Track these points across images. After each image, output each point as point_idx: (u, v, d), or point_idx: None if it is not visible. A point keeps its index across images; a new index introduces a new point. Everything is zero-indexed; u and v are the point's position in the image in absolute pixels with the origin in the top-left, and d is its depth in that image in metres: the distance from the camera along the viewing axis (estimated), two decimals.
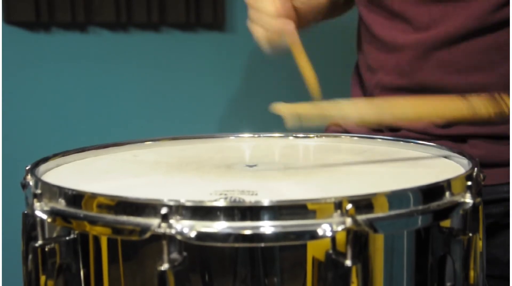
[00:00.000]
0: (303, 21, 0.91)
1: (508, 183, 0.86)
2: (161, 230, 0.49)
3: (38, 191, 0.56)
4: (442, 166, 0.71)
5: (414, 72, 0.89)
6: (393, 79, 0.91)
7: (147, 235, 0.49)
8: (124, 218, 0.51)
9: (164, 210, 0.49)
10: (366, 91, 0.98)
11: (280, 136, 0.88)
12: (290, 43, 0.81)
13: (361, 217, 0.50)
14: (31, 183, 0.59)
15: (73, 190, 0.54)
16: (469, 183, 0.57)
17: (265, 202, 0.49)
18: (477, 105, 0.67)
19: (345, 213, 0.49)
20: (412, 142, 0.80)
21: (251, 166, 0.72)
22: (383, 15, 0.92)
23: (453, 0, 0.85)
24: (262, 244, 0.50)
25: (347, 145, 0.85)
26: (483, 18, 0.84)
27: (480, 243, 0.57)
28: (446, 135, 0.88)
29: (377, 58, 0.94)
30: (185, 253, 0.49)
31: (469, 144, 0.88)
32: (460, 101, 0.68)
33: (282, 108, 0.67)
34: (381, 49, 0.93)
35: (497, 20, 0.84)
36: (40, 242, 0.54)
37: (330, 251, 0.49)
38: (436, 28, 0.86)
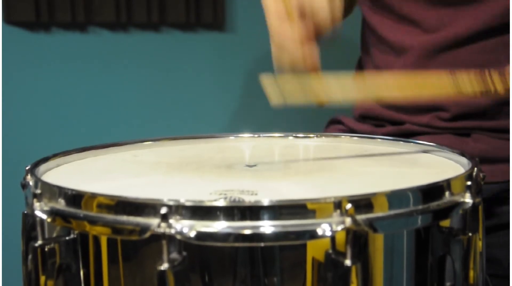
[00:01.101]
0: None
1: (508, 182, 0.86)
2: (161, 230, 0.49)
3: (38, 191, 0.56)
4: (442, 166, 0.71)
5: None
6: None
7: (147, 235, 0.49)
8: (124, 218, 0.51)
9: (163, 210, 0.49)
10: None
11: (280, 136, 0.88)
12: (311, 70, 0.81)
13: (360, 217, 0.50)
14: (31, 183, 0.59)
15: (73, 190, 0.54)
16: (469, 183, 0.57)
17: (265, 202, 0.49)
18: (463, 83, 0.66)
19: (345, 213, 0.49)
20: (412, 142, 0.80)
21: (251, 166, 0.72)
22: (389, 18, 0.92)
23: (462, 3, 0.85)
24: (262, 244, 0.50)
25: (347, 145, 0.85)
26: (491, 20, 0.84)
27: (479, 243, 0.57)
28: (450, 127, 0.88)
29: (384, 60, 0.94)
30: (184, 253, 0.49)
31: (472, 138, 0.88)
32: (446, 79, 0.67)
33: (266, 81, 0.66)
34: (388, 51, 0.93)
35: (506, 22, 0.84)
36: (40, 242, 0.54)
37: (330, 251, 0.49)
38: (444, 30, 0.87)
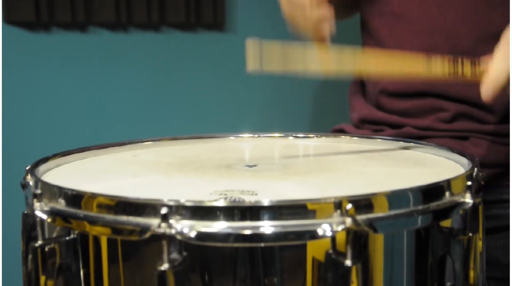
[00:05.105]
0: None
1: (508, 186, 0.86)
2: (161, 230, 0.49)
3: (38, 191, 0.56)
4: (442, 166, 0.71)
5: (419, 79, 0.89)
6: (398, 86, 0.92)
7: (147, 235, 0.49)
8: (124, 218, 0.51)
9: (164, 210, 0.49)
10: (369, 97, 0.98)
11: (280, 136, 0.88)
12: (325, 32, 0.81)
13: (361, 217, 0.50)
14: (31, 183, 0.59)
15: (73, 190, 0.54)
16: (469, 183, 0.57)
17: (265, 202, 0.49)
18: (435, 65, 0.69)
19: (345, 213, 0.49)
20: (412, 142, 0.80)
21: (251, 166, 0.72)
22: (388, 21, 0.92)
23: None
24: (262, 244, 0.50)
25: (347, 145, 0.85)
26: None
27: (480, 243, 0.57)
28: (450, 129, 0.88)
29: None
30: (185, 253, 0.49)
31: (471, 142, 0.88)
32: (421, 60, 0.70)
33: (250, 45, 0.67)
34: None
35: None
36: (40, 242, 0.54)
37: (330, 251, 0.49)
38: (441, 33, 0.86)
